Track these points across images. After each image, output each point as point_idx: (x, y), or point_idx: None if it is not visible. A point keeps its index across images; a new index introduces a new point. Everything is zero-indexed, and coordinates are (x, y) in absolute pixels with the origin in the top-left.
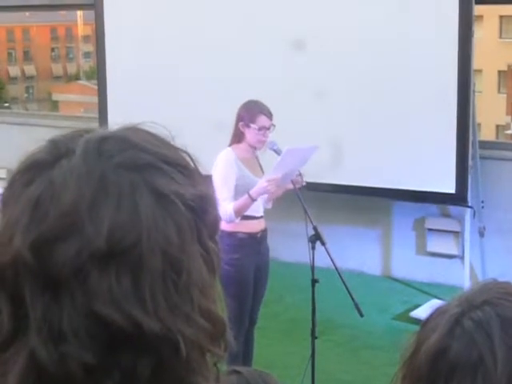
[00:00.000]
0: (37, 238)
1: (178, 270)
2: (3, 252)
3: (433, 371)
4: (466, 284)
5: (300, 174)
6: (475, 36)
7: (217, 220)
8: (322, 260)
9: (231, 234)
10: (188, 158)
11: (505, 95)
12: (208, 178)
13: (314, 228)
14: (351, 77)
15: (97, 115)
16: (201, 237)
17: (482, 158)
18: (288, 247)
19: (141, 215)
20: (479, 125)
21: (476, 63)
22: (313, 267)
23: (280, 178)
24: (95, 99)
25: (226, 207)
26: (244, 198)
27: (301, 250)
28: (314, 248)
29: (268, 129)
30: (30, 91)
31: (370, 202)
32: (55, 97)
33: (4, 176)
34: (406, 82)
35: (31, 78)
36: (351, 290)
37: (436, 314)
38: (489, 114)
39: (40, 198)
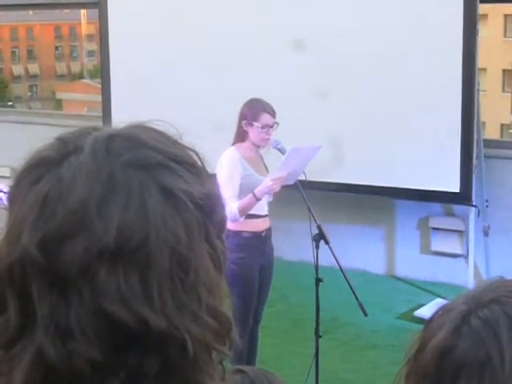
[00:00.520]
0: (45, 236)
1: (186, 269)
2: (11, 249)
3: (439, 370)
4: (471, 283)
5: (304, 175)
6: (480, 35)
7: (224, 219)
8: (325, 259)
9: (236, 233)
10: (195, 157)
11: (509, 94)
12: (213, 177)
13: (318, 227)
14: (352, 76)
15: (100, 114)
16: (208, 235)
17: (487, 156)
18: (292, 246)
19: (149, 213)
20: (484, 123)
21: (480, 62)
22: (317, 266)
23: (285, 176)
24: (99, 98)
25: (230, 206)
26: (248, 197)
27: (305, 249)
28: (317, 247)
29: (271, 127)
30: (34, 90)
31: (373, 201)
32: (59, 95)
33: (8, 175)
34: (410, 81)
35: (35, 76)
36: (355, 289)
37: (442, 311)
38: (493, 113)
39: (48, 195)
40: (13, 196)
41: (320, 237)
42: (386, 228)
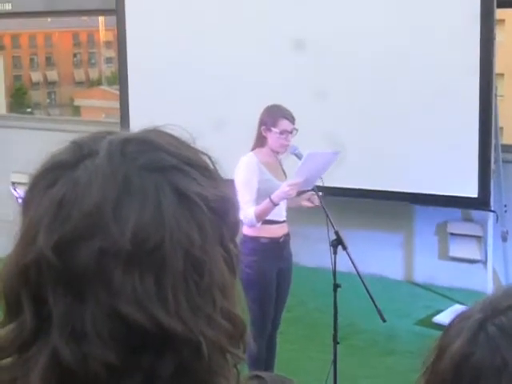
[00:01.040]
0: (60, 238)
1: (200, 271)
2: (26, 252)
3: (456, 377)
4: (489, 289)
5: (321, 179)
6: (497, 39)
7: (237, 222)
8: (343, 265)
9: (254, 239)
10: (208, 160)
11: None
12: (229, 182)
13: (336, 233)
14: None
15: (118, 120)
16: (222, 238)
17: (505, 161)
18: (310, 252)
19: (164, 216)
20: (501, 128)
21: (498, 67)
22: (334, 272)
23: (301, 182)
24: (117, 104)
25: (247, 211)
26: (265, 203)
27: (322, 255)
28: (335, 253)
29: (290, 133)
30: (52, 97)
31: (391, 207)
32: (77, 102)
33: (26, 181)
34: (429, 86)
35: (53, 83)
36: (373, 295)
37: (459, 319)
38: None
39: (64, 198)
40: (28, 200)
41: (338, 242)
42: (404, 233)
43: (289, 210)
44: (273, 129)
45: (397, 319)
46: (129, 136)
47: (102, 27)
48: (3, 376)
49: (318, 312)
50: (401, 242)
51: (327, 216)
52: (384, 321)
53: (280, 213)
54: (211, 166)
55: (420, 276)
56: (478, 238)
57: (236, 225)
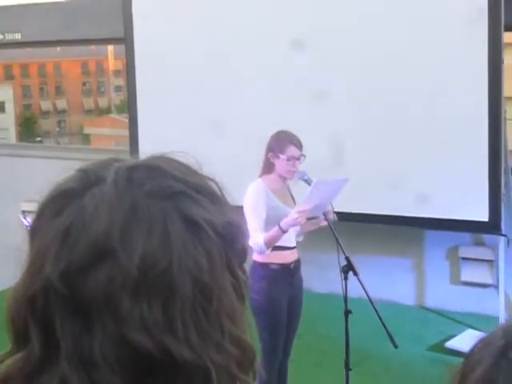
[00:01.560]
0: (67, 266)
1: (209, 297)
2: (33, 280)
3: None
4: (502, 313)
5: (332, 207)
6: (505, 63)
7: (245, 248)
8: (354, 290)
9: (264, 265)
10: (215, 187)
11: None
12: (237, 208)
13: (347, 258)
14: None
15: (128, 148)
16: (230, 264)
17: None
18: (320, 278)
19: (172, 242)
20: (511, 152)
21: (506, 90)
22: (346, 298)
23: (310, 209)
24: (126, 132)
25: (256, 238)
26: (275, 230)
27: (333, 281)
28: (346, 278)
29: (297, 159)
30: (62, 125)
31: (402, 232)
32: (87, 130)
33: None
34: (437, 110)
35: (63, 112)
36: (385, 321)
37: (480, 345)
38: None
39: (71, 226)
40: (35, 228)
41: (349, 268)
42: (415, 258)
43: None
44: (280, 155)
45: (409, 345)
46: (136, 163)
47: (110, 56)
48: None
49: (329, 338)
50: (412, 267)
51: (337, 242)
52: (396, 347)
53: (290, 239)
54: (218, 192)
55: (432, 301)
56: (489, 262)
57: (244, 251)
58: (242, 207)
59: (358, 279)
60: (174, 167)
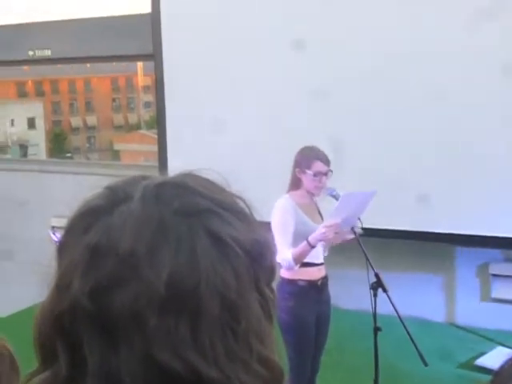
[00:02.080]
0: (95, 284)
1: (237, 316)
2: (61, 298)
3: None
4: None
5: (360, 222)
6: None
7: (273, 266)
8: (383, 307)
9: (291, 282)
10: (243, 204)
11: None
12: (264, 224)
13: (376, 275)
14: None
15: (157, 164)
16: (258, 283)
17: None
18: (349, 294)
19: (199, 260)
20: None
21: None
22: (375, 315)
23: (338, 223)
24: (156, 148)
25: (284, 254)
26: (303, 245)
27: (362, 298)
28: (375, 295)
29: (325, 174)
30: (92, 141)
31: (432, 248)
32: (116, 146)
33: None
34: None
35: (93, 128)
36: (414, 338)
37: (510, 363)
38: None
39: (98, 243)
40: (63, 245)
41: (378, 285)
42: (445, 275)
43: (330, 251)
44: (307, 171)
45: (439, 362)
46: (163, 180)
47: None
48: None
49: (358, 356)
50: (442, 284)
51: (367, 258)
52: (426, 364)
53: (318, 255)
54: (246, 209)
55: (462, 318)
56: None
57: (272, 269)
58: (269, 223)
59: (388, 296)
60: (201, 184)
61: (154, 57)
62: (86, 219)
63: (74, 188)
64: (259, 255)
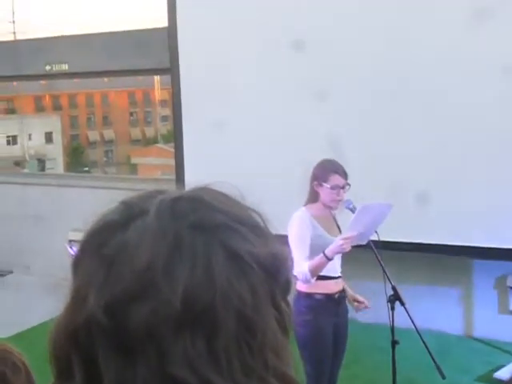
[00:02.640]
0: (111, 299)
1: (253, 332)
2: (76, 313)
3: None
4: None
5: (377, 235)
6: None
7: (289, 280)
8: (401, 320)
9: (308, 295)
10: (258, 218)
11: None
12: (280, 238)
13: (393, 288)
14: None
15: (174, 177)
16: (274, 297)
17: None
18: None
19: (215, 275)
20: None
21: None
22: (393, 328)
23: (355, 235)
24: (173, 161)
25: (301, 267)
26: (319, 257)
27: (380, 311)
28: (393, 308)
29: (342, 188)
30: (109, 155)
31: (449, 261)
32: (134, 160)
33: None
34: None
35: (110, 142)
36: (432, 351)
37: None
38: None
39: (114, 258)
40: (78, 260)
41: (395, 298)
42: (462, 288)
43: (345, 265)
44: (324, 184)
45: (457, 375)
46: (179, 195)
47: (157, 86)
48: None
49: (376, 369)
50: (460, 297)
51: (384, 271)
52: (444, 377)
53: (335, 268)
54: (261, 224)
55: (480, 331)
56: None
57: (288, 283)
58: (286, 236)
59: (405, 309)
60: (216, 198)
61: (171, 70)
62: (102, 234)
63: (91, 202)
64: (275, 270)
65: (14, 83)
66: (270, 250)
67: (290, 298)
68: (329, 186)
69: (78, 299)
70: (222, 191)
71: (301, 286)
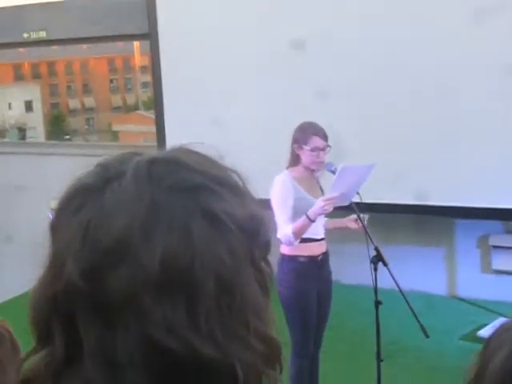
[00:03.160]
0: (88, 265)
1: (232, 293)
2: (55, 279)
3: None
4: None
5: (360, 196)
6: None
7: (268, 240)
8: (385, 281)
9: (292, 258)
10: (237, 178)
11: None
12: (261, 200)
13: (376, 249)
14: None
15: (155, 144)
16: (253, 258)
17: None
18: (350, 270)
19: (193, 238)
20: None
21: None
22: (376, 289)
23: (337, 197)
24: (154, 128)
25: (284, 230)
26: (302, 220)
27: (363, 272)
28: (376, 269)
29: (322, 150)
30: (91, 123)
31: (431, 221)
32: (115, 127)
33: None
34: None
35: (91, 109)
36: (416, 311)
37: (500, 331)
38: None
39: (91, 223)
40: (55, 225)
41: (378, 259)
42: (445, 248)
43: (331, 231)
44: (304, 146)
45: (441, 335)
46: (155, 156)
47: (137, 52)
48: None
49: (360, 330)
50: (442, 257)
51: (366, 232)
52: (427, 336)
53: (317, 231)
54: (240, 184)
55: (463, 290)
56: None
57: (267, 243)
58: (268, 200)
59: (388, 269)
60: (194, 159)
61: (150, 36)
62: (78, 198)
63: (73, 170)
64: (254, 230)
65: None
66: (248, 211)
67: (274, 261)
68: (309, 148)
69: (56, 264)
70: (199, 151)
71: (284, 249)
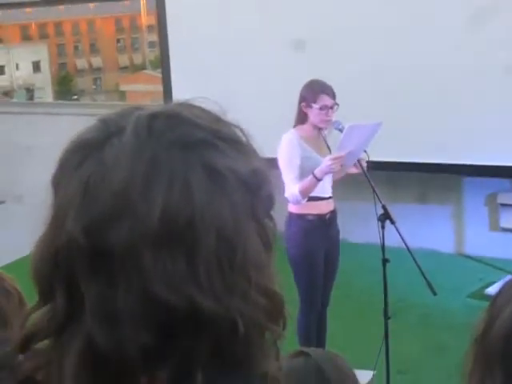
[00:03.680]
0: (89, 220)
1: (233, 248)
2: (56, 236)
3: (508, 348)
4: None
5: (367, 155)
6: None
7: (271, 195)
8: (393, 239)
9: (300, 216)
10: (240, 133)
11: None
12: (268, 160)
13: (383, 207)
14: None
15: (162, 103)
16: (255, 213)
17: None
18: (358, 228)
19: (194, 193)
20: None
21: None
22: (383, 247)
23: (344, 155)
24: (161, 88)
25: (292, 188)
26: (309, 178)
27: (371, 231)
28: (383, 227)
29: (331, 108)
30: (98, 83)
31: (440, 179)
32: (122, 87)
33: None
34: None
35: (98, 69)
36: (423, 269)
37: (507, 288)
38: None
39: (91, 178)
40: (56, 180)
41: (385, 217)
42: (453, 206)
43: (336, 186)
44: (313, 104)
45: (449, 293)
46: (156, 111)
47: (143, 11)
48: (40, 359)
49: (367, 288)
50: (450, 215)
51: (374, 190)
52: (435, 294)
53: (325, 189)
54: (243, 139)
55: (471, 248)
56: None
57: (270, 198)
58: (275, 159)
59: (396, 227)
60: (196, 114)
61: None
62: (79, 153)
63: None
64: (256, 186)
65: None
66: (251, 166)
67: (282, 219)
68: (318, 106)
69: (57, 220)
70: (202, 107)
71: (292, 208)
